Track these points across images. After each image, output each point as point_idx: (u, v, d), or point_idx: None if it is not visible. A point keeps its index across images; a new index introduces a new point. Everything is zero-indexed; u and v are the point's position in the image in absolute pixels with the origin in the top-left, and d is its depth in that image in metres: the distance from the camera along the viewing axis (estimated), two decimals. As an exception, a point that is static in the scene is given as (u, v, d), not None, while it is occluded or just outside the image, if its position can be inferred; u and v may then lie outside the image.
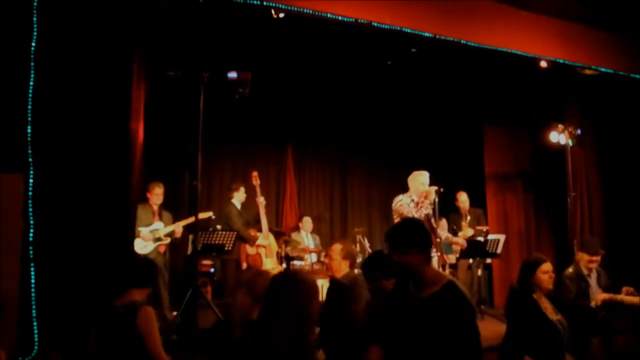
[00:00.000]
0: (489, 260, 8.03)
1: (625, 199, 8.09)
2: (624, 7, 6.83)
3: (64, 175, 4.59)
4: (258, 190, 7.53)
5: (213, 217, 7.32)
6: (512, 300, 3.94)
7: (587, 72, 7.33)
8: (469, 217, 8.07)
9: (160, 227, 6.67)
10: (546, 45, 6.95)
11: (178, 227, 6.70)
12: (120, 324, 3.34)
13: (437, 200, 6.47)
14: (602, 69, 7.28)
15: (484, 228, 8.15)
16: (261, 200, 7.51)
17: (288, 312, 2.46)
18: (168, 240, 6.73)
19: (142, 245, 6.51)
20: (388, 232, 3.01)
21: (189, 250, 6.90)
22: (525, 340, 3.65)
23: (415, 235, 2.90)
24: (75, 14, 4.69)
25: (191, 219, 6.09)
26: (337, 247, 4.42)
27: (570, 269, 4.95)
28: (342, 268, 4.34)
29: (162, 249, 6.71)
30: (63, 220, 4.54)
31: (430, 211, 6.37)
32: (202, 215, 6.99)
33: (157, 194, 6.76)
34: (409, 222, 3.25)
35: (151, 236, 6.56)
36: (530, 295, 3.79)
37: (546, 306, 3.79)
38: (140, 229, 6.49)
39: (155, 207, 6.78)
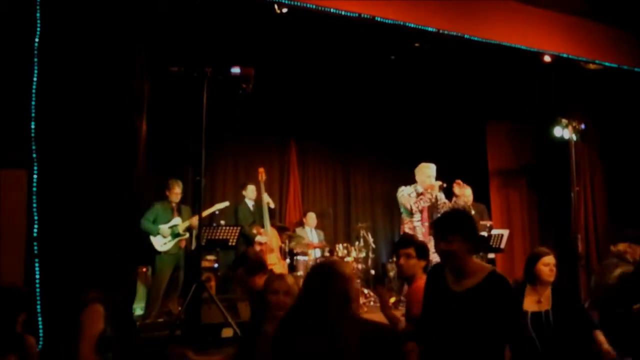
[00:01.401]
0: (492, 255, 8.03)
1: (629, 194, 8.08)
2: (627, 1, 6.81)
3: (68, 171, 4.60)
4: (262, 187, 7.58)
5: (217, 212, 7.36)
6: None
7: (591, 66, 7.32)
8: (472, 212, 8.05)
9: (179, 223, 6.75)
10: (550, 39, 6.94)
11: (194, 222, 6.76)
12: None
13: (438, 196, 6.49)
14: (606, 64, 7.26)
15: (488, 223, 8.15)
16: (266, 198, 7.56)
17: (326, 302, 2.45)
18: (187, 235, 6.82)
19: (162, 242, 6.58)
20: (435, 220, 3.00)
21: (193, 246, 6.93)
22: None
23: (461, 222, 2.87)
24: (78, 10, 4.69)
25: (209, 210, 6.79)
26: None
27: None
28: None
29: (182, 244, 6.81)
30: (67, 215, 4.55)
31: (428, 204, 6.40)
32: (219, 206, 7.08)
33: (176, 193, 6.85)
34: (456, 211, 3.27)
35: (170, 232, 6.63)
36: (522, 284, 4.00)
37: (539, 298, 3.93)
38: (160, 226, 6.60)
39: (174, 204, 6.86)
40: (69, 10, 4.66)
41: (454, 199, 7.19)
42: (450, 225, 2.84)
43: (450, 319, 2.77)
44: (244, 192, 7.88)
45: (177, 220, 6.78)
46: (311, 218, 8.67)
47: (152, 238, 6.57)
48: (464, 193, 7.88)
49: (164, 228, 6.63)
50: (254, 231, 7.53)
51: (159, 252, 6.62)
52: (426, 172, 6.43)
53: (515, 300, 2.70)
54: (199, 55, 5.85)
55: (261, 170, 7.71)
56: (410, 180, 6.79)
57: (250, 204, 7.82)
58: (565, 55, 6.99)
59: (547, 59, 6.96)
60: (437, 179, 6.59)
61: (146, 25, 5.11)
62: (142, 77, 5.17)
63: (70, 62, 4.64)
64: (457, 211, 3.20)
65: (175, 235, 6.69)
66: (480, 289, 2.75)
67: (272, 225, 7.79)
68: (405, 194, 6.41)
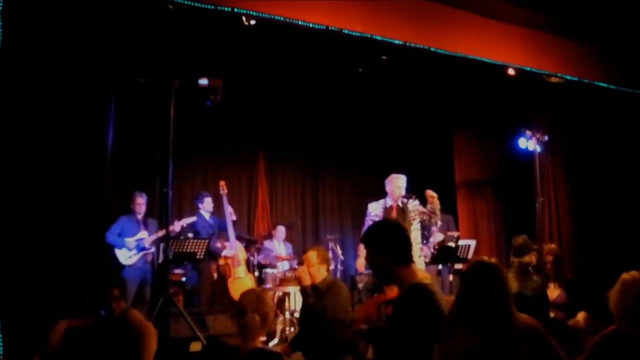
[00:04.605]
0: (459, 266, 8.10)
1: (591, 204, 8.24)
2: (587, 16, 6.99)
3: (31, 185, 4.49)
4: (225, 199, 7.51)
5: (184, 225, 7.29)
6: None
7: (553, 79, 7.46)
8: (439, 222, 8.11)
9: (145, 237, 6.65)
10: (513, 53, 7.06)
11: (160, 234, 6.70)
12: None
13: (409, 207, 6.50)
14: (567, 77, 7.41)
15: (455, 234, 8.24)
16: (230, 211, 7.50)
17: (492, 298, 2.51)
18: (153, 249, 6.71)
19: (127, 255, 6.48)
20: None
21: (161, 259, 6.84)
22: None
23: (371, 235, 2.96)
24: (42, 19, 4.61)
25: (168, 226, 5.94)
26: (312, 254, 4.42)
27: None
28: (320, 273, 4.37)
29: (148, 258, 6.71)
30: (30, 230, 4.44)
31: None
32: (187, 221, 7.06)
33: (138, 204, 6.77)
34: (375, 225, 3.31)
35: (135, 245, 6.53)
36: None
37: None
38: (125, 239, 6.52)
39: (140, 217, 6.76)
40: (33, 19, 4.58)
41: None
42: (365, 239, 2.97)
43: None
44: (200, 205, 7.62)
45: (143, 233, 6.70)
46: (280, 231, 8.63)
47: (117, 251, 6.49)
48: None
49: (130, 241, 6.55)
50: (219, 245, 7.47)
51: (124, 267, 6.53)
52: (396, 182, 6.44)
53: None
54: (166, 67, 5.82)
55: (222, 183, 7.63)
56: (380, 190, 6.79)
57: (207, 215, 7.61)
58: (528, 69, 7.12)
59: (511, 72, 7.08)
60: (406, 190, 6.60)
61: (113, 35, 5.06)
62: (108, 88, 5.11)
63: (32, 73, 4.55)
64: (376, 225, 3.24)
65: (140, 248, 6.60)
66: (399, 301, 2.81)
67: (239, 237, 7.73)
68: (370, 213, 6.43)
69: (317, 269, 4.35)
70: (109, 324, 3.35)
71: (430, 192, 6.25)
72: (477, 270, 2.65)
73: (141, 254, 6.61)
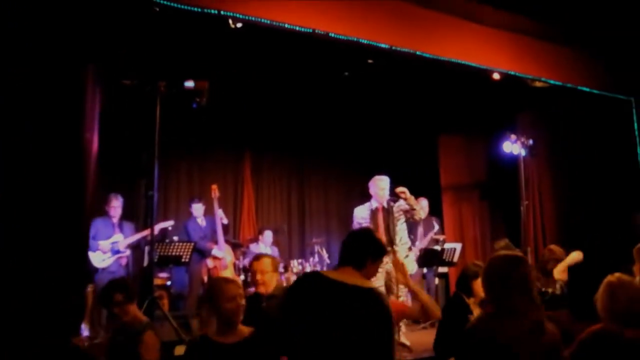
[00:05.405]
0: (444, 269, 8.13)
1: (576, 207, 8.32)
2: (571, 21, 7.06)
3: (14, 188, 4.45)
4: (216, 203, 7.50)
5: (170, 228, 7.26)
6: (447, 303, 4.11)
7: (538, 84, 7.52)
8: (423, 215, 8.08)
9: (120, 240, 6.57)
10: (498, 57, 7.11)
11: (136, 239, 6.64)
12: None
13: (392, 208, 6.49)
14: (551, 81, 7.48)
15: (441, 237, 8.27)
16: (220, 214, 7.49)
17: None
18: (127, 252, 6.63)
19: (101, 259, 6.41)
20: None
21: (145, 262, 6.79)
22: (454, 341, 3.76)
23: None
24: (24, 20, 4.57)
25: (153, 229, 5.83)
26: (268, 261, 4.29)
27: None
28: (273, 282, 4.27)
29: (123, 262, 6.62)
30: (12, 234, 4.39)
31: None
32: (163, 225, 6.96)
33: (113, 207, 6.66)
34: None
35: (110, 248, 6.47)
36: (463, 299, 4.00)
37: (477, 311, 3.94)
38: (99, 242, 6.42)
39: (115, 220, 6.68)
40: (15, 21, 4.54)
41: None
42: None
43: None
44: (190, 210, 7.73)
45: (118, 236, 6.61)
46: (267, 236, 8.58)
47: (90, 254, 6.32)
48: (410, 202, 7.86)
49: (104, 244, 6.46)
50: (208, 246, 7.46)
51: (97, 270, 6.42)
52: (379, 184, 6.40)
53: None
54: (152, 69, 5.79)
55: (214, 187, 7.62)
56: (366, 193, 6.79)
57: (198, 219, 7.68)
58: (512, 73, 7.17)
59: (496, 76, 7.12)
60: (391, 193, 6.59)
61: (98, 37, 5.02)
62: (94, 90, 5.07)
63: (16, 74, 4.51)
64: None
65: (115, 252, 6.53)
66: None
67: (226, 241, 7.72)
68: (357, 216, 6.40)
69: (270, 277, 4.23)
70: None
71: (399, 188, 6.21)
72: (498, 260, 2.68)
73: (115, 257, 6.51)
